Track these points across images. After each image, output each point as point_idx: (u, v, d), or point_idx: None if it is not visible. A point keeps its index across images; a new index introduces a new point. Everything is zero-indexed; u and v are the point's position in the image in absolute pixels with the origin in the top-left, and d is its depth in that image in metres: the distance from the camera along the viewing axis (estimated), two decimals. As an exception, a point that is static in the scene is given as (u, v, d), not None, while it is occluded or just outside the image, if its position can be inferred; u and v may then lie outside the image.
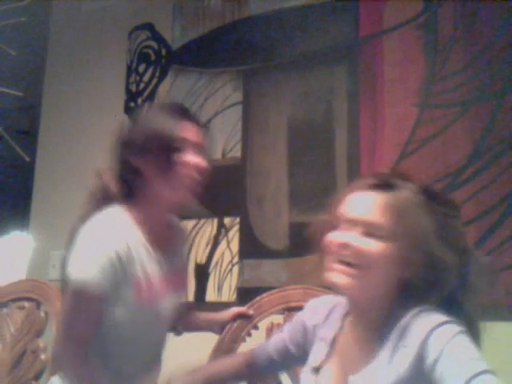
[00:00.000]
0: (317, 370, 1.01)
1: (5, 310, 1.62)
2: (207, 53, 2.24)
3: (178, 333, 1.42)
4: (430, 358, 0.83)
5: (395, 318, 0.92)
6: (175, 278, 1.30)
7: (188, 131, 1.23)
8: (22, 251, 2.83)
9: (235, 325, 1.47)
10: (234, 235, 2.03)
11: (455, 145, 1.74)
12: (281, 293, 1.50)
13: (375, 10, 1.93)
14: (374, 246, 0.90)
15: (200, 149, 1.24)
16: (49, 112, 2.61)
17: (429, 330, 0.85)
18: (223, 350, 1.47)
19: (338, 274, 0.92)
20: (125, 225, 1.21)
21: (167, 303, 1.26)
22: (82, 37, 2.58)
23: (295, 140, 2.01)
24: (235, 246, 2.02)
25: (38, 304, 1.59)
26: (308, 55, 2.03)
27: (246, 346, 1.46)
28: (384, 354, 0.91)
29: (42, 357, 1.52)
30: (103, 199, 1.27)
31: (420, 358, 0.85)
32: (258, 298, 1.49)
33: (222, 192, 2.07)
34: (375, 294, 0.94)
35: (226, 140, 2.12)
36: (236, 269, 2.01)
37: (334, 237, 0.94)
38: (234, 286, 1.98)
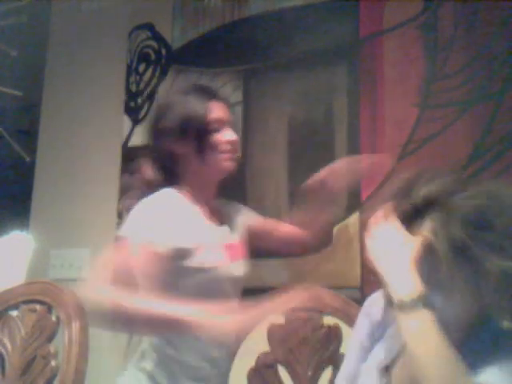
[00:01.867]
0: (386, 368, 0.96)
1: (16, 313, 1.60)
2: (207, 53, 2.24)
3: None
4: None
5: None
6: (237, 247, 1.36)
7: (218, 110, 1.30)
8: (22, 251, 2.82)
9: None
10: (234, 235, 2.03)
11: (455, 145, 1.74)
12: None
13: (375, 9, 1.93)
14: None
15: (230, 124, 1.32)
16: (49, 112, 2.61)
17: None
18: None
19: None
20: (178, 199, 1.28)
21: (235, 270, 1.32)
22: (81, 37, 2.57)
23: (295, 140, 2.01)
24: (235, 245, 2.02)
25: (50, 308, 1.57)
26: (308, 55, 2.03)
27: (246, 346, 1.47)
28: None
29: (53, 363, 1.50)
30: (145, 189, 1.33)
31: None
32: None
33: (222, 192, 2.07)
34: None
35: (226, 140, 2.12)
36: (236, 269, 2.00)
37: None
38: (234, 286, 1.98)
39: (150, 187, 1.31)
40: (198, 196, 1.32)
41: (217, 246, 1.29)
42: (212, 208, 1.36)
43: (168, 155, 1.30)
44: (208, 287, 1.23)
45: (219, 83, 2.18)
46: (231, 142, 1.29)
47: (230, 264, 1.30)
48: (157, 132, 1.33)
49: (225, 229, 1.36)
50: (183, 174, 1.32)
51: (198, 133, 1.26)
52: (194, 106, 1.27)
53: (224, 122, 1.30)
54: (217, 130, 1.28)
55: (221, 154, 1.29)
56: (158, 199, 1.26)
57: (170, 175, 1.32)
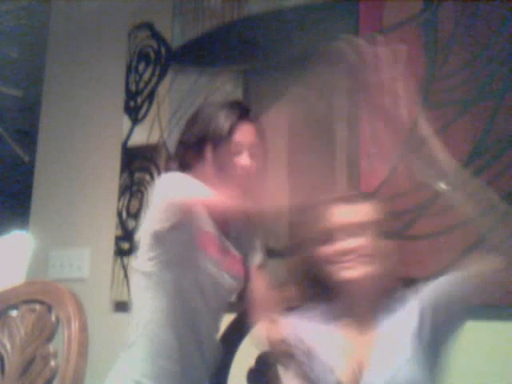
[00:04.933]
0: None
1: (15, 313, 1.60)
2: (207, 52, 2.24)
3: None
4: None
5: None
6: (235, 260, 1.33)
7: (244, 133, 1.28)
8: (22, 251, 2.83)
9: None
10: (233, 235, 2.03)
11: (455, 145, 1.74)
12: (281, 293, 1.50)
13: (375, 9, 1.93)
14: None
15: (254, 149, 1.29)
16: (49, 112, 2.61)
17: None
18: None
19: (351, 268, 1.05)
20: (194, 182, 1.25)
21: (223, 277, 1.29)
22: (81, 37, 2.58)
23: (295, 140, 2.01)
24: (235, 245, 2.02)
25: (50, 308, 1.55)
26: (308, 55, 2.03)
27: (246, 346, 1.46)
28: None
29: (52, 363, 1.48)
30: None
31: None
32: (258, 298, 1.49)
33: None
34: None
35: (226, 140, 2.12)
36: (236, 269, 2.00)
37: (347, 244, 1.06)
38: (233, 286, 1.98)
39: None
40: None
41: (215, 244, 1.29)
42: (224, 219, 1.34)
43: (187, 163, 1.31)
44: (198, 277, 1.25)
45: (219, 83, 2.18)
46: (244, 168, 1.27)
47: (223, 270, 1.30)
48: (180, 141, 1.34)
49: (227, 236, 1.34)
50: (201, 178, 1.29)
51: (216, 152, 1.25)
52: (218, 122, 1.26)
53: (245, 146, 1.27)
54: (236, 153, 1.26)
55: (235, 178, 1.27)
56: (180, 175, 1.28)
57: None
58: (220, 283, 1.30)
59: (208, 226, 1.29)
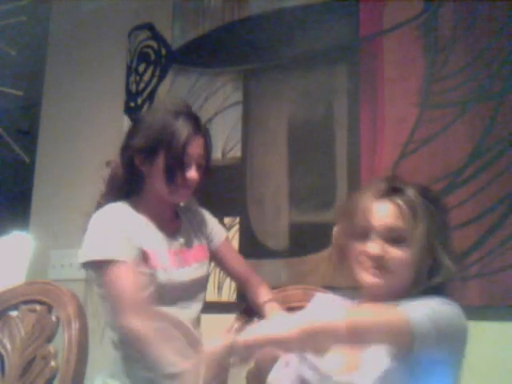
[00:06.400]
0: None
1: (16, 313, 1.60)
2: (207, 53, 2.24)
3: None
4: None
5: None
6: (191, 252, 1.38)
7: (195, 146, 1.29)
8: (22, 251, 2.82)
9: (235, 326, 1.47)
10: (233, 235, 2.03)
11: (455, 145, 1.74)
12: (281, 293, 1.50)
13: (375, 9, 1.93)
14: (399, 253, 1.05)
15: (201, 162, 1.32)
16: (49, 112, 2.61)
17: None
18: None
19: (371, 275, 1.07)
20: (126, 212, 1.33)
21: (183, 276, 1.33)
22: (81, 37, 2.58)
23: (295, 140, 2.01)
24: (235, 245, 2.02)
25: (50, 308, 1.56)
26: (308, 55, 2.03)
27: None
28: None
29: (52, 363, 1.48)
30: (112, 189, 1.39)
31: None
32: (258, 298, 1.49)
33: (222, 192, 2.07)
34: (396, 290, 1.07)
35: (226, 140, 2.12)
36: (236, 269, 2.00)
37: (370, 248, 1.06)
38: (234, 286, 1.98)
39: (117, 188, 1.38)
40: (150, 208, 1.35)
41: (161, 252, 1.32)
42: (165, 218, 1.38)
43: (133, 167, 1.33)
44: (156, 292, 1.27)
45: (219, 83, 2.18)
46: (191, 180, 1.30)
47: (175, 270, 1.33)
48: (128, 144, 1.33)
49: (175, 237, 1.38)
50: (143, 186, 1.36)
51: (168, 162, 1.27)
52: (173, 132, 1.26)
53: (194, 158, 1.30)
54: (185, 165, 1.28)
55: (177, 188, 1.30)
56: (107, 214, 1.34)
57: (132, 183, 1.36)
58: (179, 283, 1.33)
59: (153, 244, 1.32)
